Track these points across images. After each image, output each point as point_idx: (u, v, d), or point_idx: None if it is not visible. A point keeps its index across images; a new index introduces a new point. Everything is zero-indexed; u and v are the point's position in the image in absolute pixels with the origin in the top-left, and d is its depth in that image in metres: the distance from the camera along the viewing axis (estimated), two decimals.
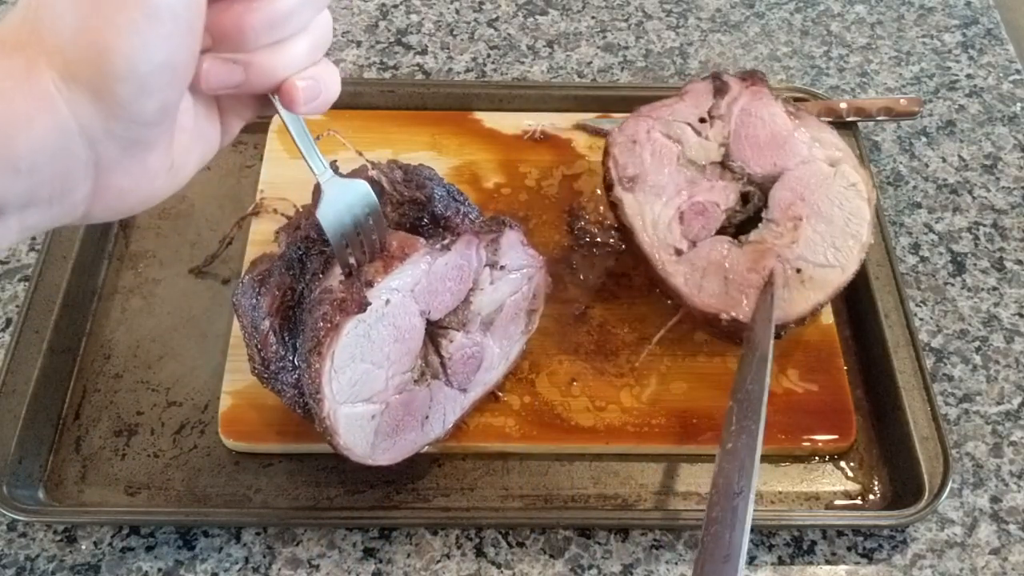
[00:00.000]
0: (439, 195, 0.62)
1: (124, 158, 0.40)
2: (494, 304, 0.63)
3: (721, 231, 0.68)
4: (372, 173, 0.63)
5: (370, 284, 0.55)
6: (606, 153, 0.69)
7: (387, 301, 0.56)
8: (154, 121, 0.40)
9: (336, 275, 0.57)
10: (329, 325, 0.54)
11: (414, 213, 0.62)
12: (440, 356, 0.62)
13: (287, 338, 0.59)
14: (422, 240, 0.58)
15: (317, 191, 0.52)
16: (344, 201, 0.53)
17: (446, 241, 0.58)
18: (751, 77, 0.70)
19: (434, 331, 0.61)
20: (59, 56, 0.37)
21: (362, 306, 0.55)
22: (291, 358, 0.58)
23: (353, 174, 0.63)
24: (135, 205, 0.43)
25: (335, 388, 0.56)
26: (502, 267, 0.62)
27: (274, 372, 0.60)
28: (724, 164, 0.69)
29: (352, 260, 0.55)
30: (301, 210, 0.65)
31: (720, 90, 0.70)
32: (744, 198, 0.69)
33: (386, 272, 0.56)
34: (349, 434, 0.58)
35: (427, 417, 0.62)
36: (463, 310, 0.62)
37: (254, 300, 0.60)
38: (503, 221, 0.62)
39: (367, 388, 0.58)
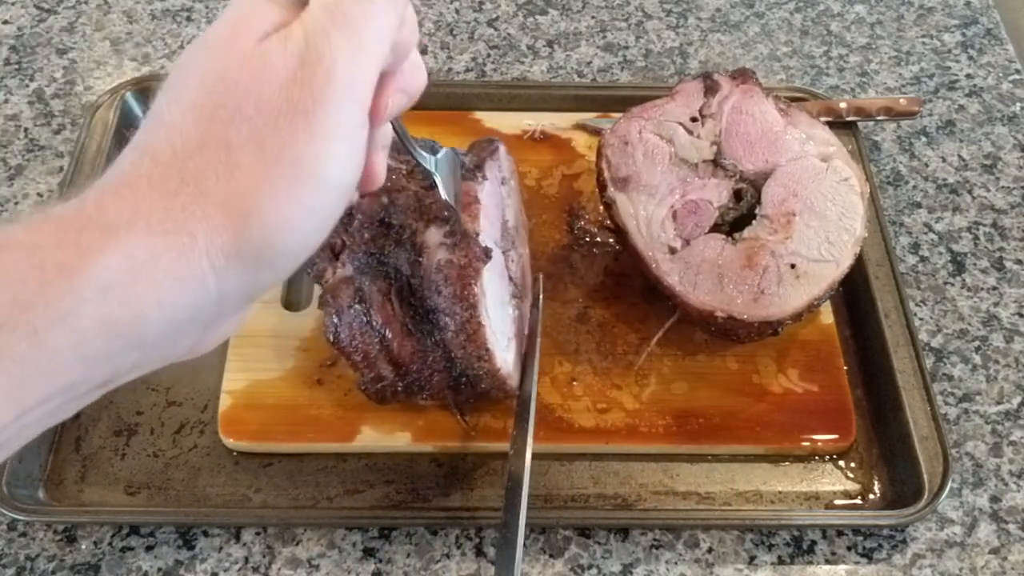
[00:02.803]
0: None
1: (238, 313, 0.38)
2: (513, 215, 0.68)
3: (715, 229, 0.68)
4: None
5: (477, 234, 0.59)
6: (599, 154, 0.69)
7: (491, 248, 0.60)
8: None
9: (434, 246, 0.58)
10: (471, 290, 0.57)
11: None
12: (511, 278, 0.66)
13: (414, 329, 0.60)
14: (468, 182, 0.61)
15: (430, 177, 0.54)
16: (450, 172, 0.55)
17: (482, 173, 0.62)
18: (741, 75, 0.70)
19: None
20: (228, 230, 0.34)
21: (488, 254, 0.58)
22: (430, 343, 0.60)
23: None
24: (218, 343, 0.40)
25: (499, 338, 0.60)
26: (503, 179, 0.67)
27: (417, 371, 0.61)
28: (716, 162, 0.69)
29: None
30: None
31: (711, 89, 0.70)
32: (737, 195, 0.69)
33: (475, 219, 0.59)
34: (515, 374, 0.63)
35: (521, 333, 0.67)
36: (504, 230, 0.66)
37: (364, 326, 0.60)
38: (490, 139, 0.67)
39: (506, 327, 0.62)
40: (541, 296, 0.69)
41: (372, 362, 0.61)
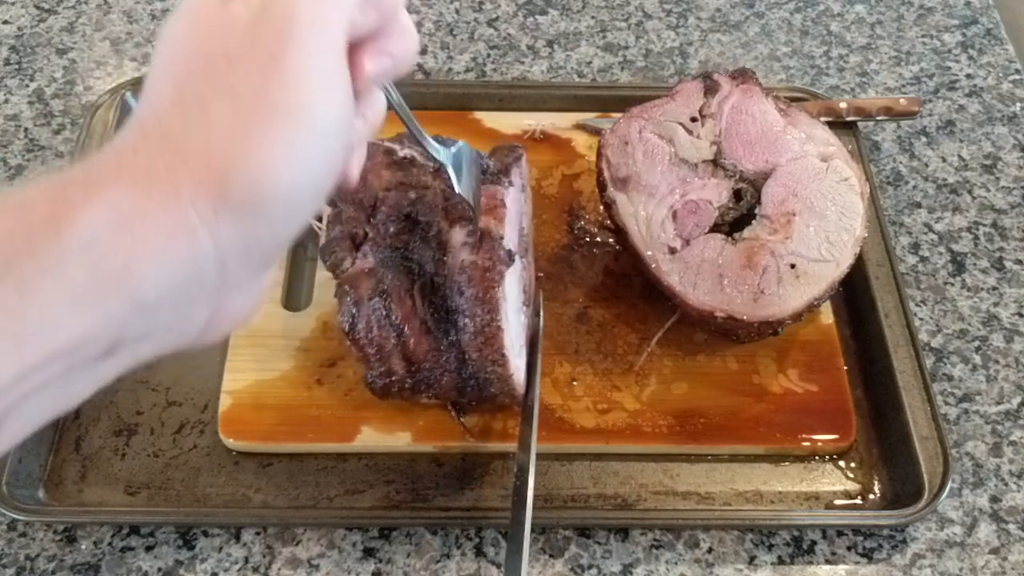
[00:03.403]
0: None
1: (248, 279, 0.37)
2: (527, 222, 0.68)
3: (715, 229, 0.68)
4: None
5: (501, 237, 0.58)
6: (599, 154, 0.69)
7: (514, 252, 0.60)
8: (290, 240, 0.38)
9: (458, 245, 0.58)
10: (493, 294, 0.57)
11: None
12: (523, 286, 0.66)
13: (433, 328, 0.60)
14: (495, 186, 0.61)
15: (444, 170, 0.54)
16: (466, 167, 0.55)
17: (508, 178, 0.62)
18: (741, 75, 0.70)
19: None
20: (211, 179, 0.34)
21: (512, 258, 0.58)
22: (446, 343, 0.60)
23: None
24: (237, 324, 0.39)
25: (514, 345, 0.60)
26: (523, 186, 0.67)
27: (428, 369, 0.60)
28: (716, 162, 0.69)
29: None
30: (352, 214, 0.63)
31: (711, 89, 0.70)
32: (737, 195, 0.69)
33: (501, 222, 0.59)
34: (523, 380, 0.62)
35: (529, 340, 0.67)
36: (520, 237, 0.65)
37: (383, 320, 0.59)
38: (514, 146, 0.66)
39: (520, 333, 0.62)
40: (542, 304, 0.69)
41: (386, 356, 0.60)
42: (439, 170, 0.62)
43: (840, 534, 0.64)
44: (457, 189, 0.54)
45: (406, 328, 0.59)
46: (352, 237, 0.61)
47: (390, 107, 0.45)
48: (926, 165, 0.84)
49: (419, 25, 0.94)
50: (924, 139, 0.86)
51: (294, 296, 0.72)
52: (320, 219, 0.67)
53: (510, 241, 0.61)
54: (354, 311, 0.59)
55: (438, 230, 0.60)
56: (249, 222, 0.35)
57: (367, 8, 0.38)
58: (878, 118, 0.83)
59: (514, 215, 0.63)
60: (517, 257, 0.63)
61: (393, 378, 0.61)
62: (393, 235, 0.60)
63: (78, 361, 0.33)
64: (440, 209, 0.60)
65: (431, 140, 0.51)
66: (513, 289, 0.61)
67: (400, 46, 0.41)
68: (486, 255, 0.58)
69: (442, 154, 0.52)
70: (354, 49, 0.39)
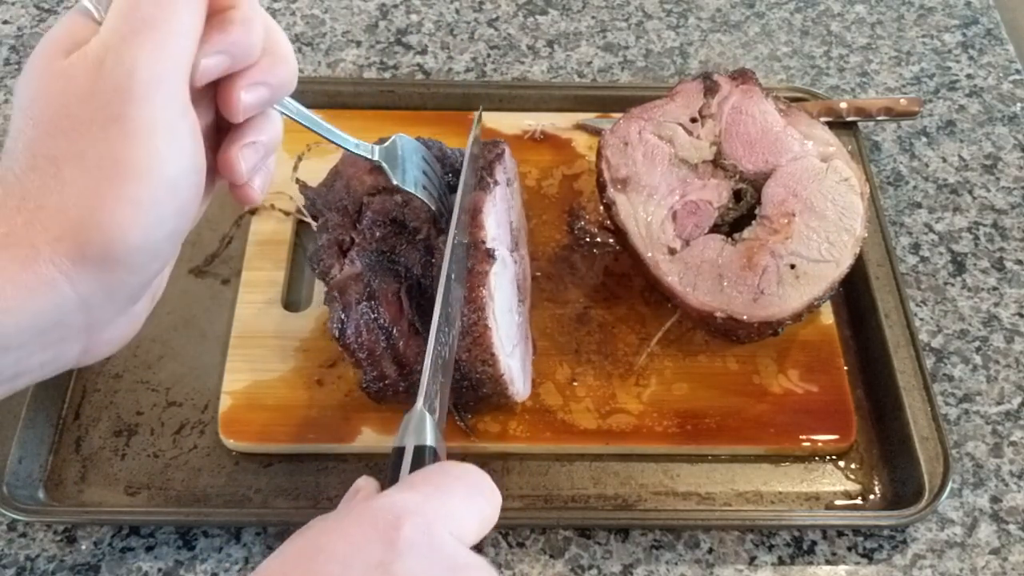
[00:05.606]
0: (448, 152, 0.66)
1: (117, 315, 0.40)
2: (516, 217, 0.68)
3: (715, 229, 0.68)
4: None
5: (483, 241, 0.58)
6: (598, 155, 0.69)
7: (496, 249, 0.60)
8: (153, 279, 0.40)
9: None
10: (479, 293, 0.57)
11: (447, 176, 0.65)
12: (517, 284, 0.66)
13: (422, 329, 0.60)
14: (478, 191, 0.61)
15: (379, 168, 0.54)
16: (406, 158, 0.55)
17: (492, 179, 0.62)
18: (741, 76, 0.70)
19: None
20: (67, 238, 0.36)
21: (491, 255, 0.58)
22: None
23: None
24: (121, 345, 0.43)
25: (504, 343, 0.59)
26: (508, 181, 0.67)
27: (420, 372, 0.60)
28: (716, 162, 0.69)
29: (442, 205, 0.59)
30: (338, 221, 0.64)
31: (711, 89, 0.70)
32: (737, 196, 0.69)
33: (482, 227, 0.59)
34: (519, 379, 0.62)
35: (526, 338, 0.66)
36: (510, 233, 0.65)
37: (372, 323, 0.59)
38: (496, 142, 0.66)
39: (511, 332, 0.62)
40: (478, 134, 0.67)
41: (377, 360, 0.60)
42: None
43: (840, 534, 0.64)
44: (394, 182, 0.54)
45: (395, 330, 0.59)
46: (339, 244, 0.62)
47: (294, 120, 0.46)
48: (926, 165, 0.84)
49: (419, 25, 0.94)
50: (924, 139, 0.86)
51: (294, 296, 0.72)
52: (316, 218, 0.67)
53: (498, 241, 0.61)
54: (343, 316, 0.60)
55: (427, 235, 0.60)
56: (108, 273, 0.37)
57: (214, 55, 0.39)
58: (878, 118, 0.83)
59: (501, 212, 0.63)
60: (508, 257, 0.63)
61: (386, 382, 0.61)
62: (379, 239, 0.61)
63: None
64: (428, 213, 0.61)
65: (351, 140, 0.50)
66: (502, 289, 0.61)
67: (277, 74, 0.42)
68: (470, 256, 0.58)
69: (373, 152, 0.52)
70: (229, 80, 0.40)
